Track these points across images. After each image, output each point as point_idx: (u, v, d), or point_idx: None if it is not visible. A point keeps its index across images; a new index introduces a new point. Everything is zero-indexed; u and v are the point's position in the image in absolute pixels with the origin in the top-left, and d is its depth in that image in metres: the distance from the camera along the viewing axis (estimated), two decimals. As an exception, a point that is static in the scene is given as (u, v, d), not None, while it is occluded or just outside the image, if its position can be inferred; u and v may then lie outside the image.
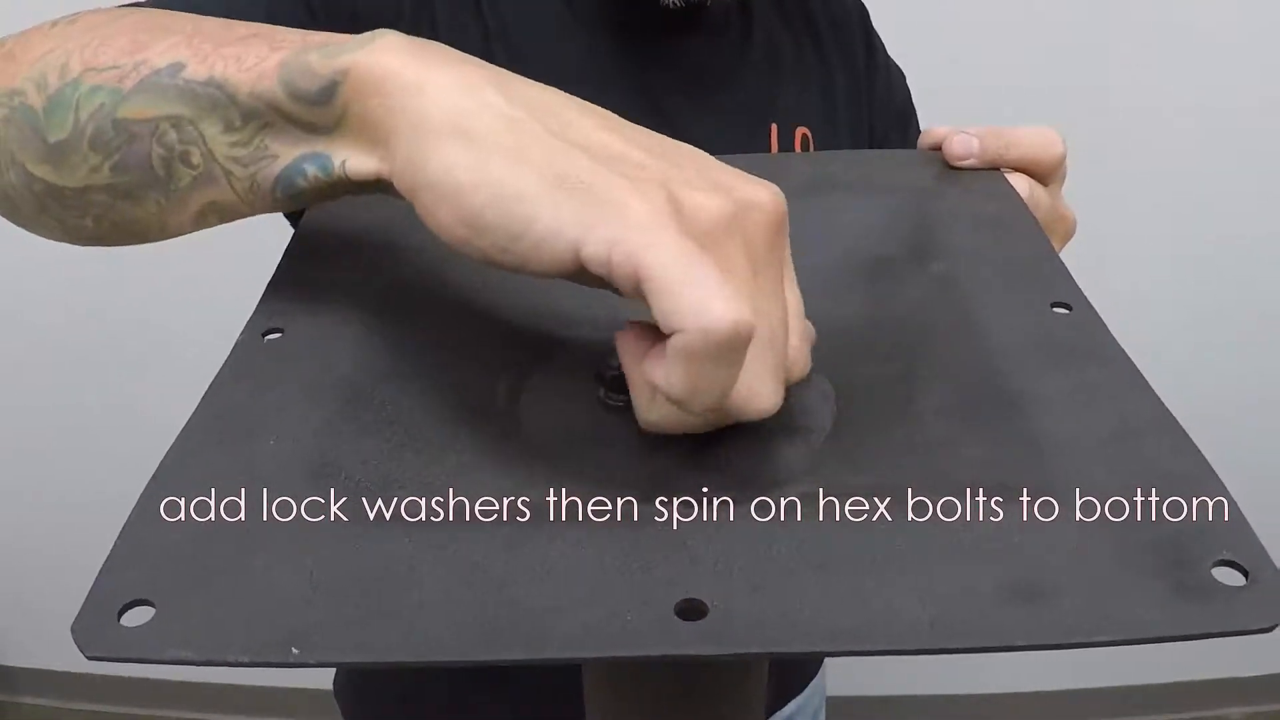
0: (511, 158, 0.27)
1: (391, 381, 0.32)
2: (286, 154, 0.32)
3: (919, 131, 0.73)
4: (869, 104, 0.70)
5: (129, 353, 1.44)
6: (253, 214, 0.35)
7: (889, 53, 0.74)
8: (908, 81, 0.75)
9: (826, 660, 0.83)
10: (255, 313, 0.34)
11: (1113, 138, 1.24)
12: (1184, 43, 1.24)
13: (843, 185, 0.42)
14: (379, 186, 0.31)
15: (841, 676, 1.48)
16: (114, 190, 0.34)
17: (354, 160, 0.31)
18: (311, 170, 0.32)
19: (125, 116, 0.33)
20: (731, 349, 0.25)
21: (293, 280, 0.35)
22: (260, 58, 0.31)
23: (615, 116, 0.31)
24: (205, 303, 1.23)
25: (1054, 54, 1.24)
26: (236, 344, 0.33)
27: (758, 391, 0.27)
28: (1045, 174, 0.45)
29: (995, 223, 0.39)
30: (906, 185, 0.42)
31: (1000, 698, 1.61)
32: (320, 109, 0.31)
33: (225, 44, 0.32)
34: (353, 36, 0.31)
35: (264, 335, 0.33)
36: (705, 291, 0.25)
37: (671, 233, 0.25)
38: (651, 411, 0.29)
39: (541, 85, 0.31)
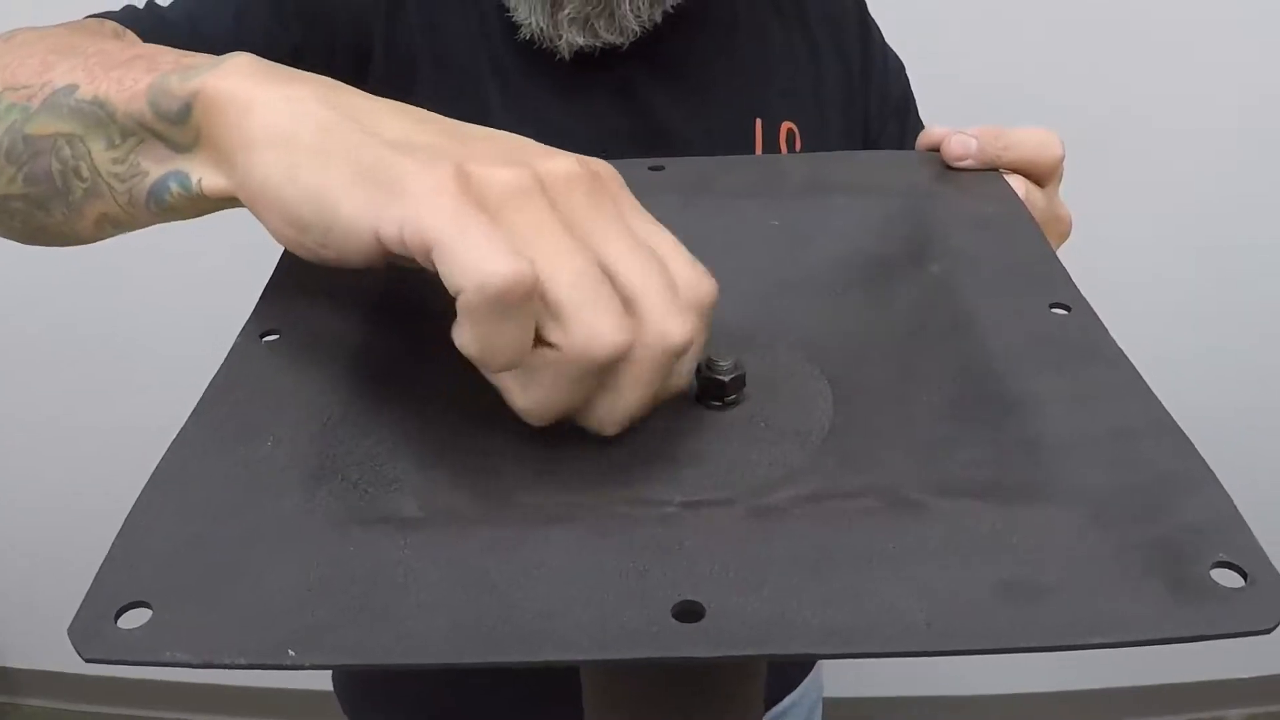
0: (319, 158, 0.29)
1: (389, 383, 0.32)
2: (155, 171, 0.34)
3: (919, 121, 0.72)
4: (864, 95, 0.69)
5: (127, 355, 1.44)
6: (139, 226, 0.37)
7: (887, 42, 0.72)
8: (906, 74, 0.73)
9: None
10: (253, 315, 0.34)
11: (1109, 136, 1.24)
12: (1185, 41, 1.24)
13: (840, 186, 0.42)
14: (236, 203, 0.33)
15: (839, 677, 1.48)
16: (28, 199, 0.37)
17: (208, 178, 0.33)
18: (175, 187, 0.34)
19: (31, 132, 0.35)
20: (508, 302, 0.25)
21: (290, 282, 0.35)
22: (135, 79, 0.34)
23: (441, 119, 0.31)
24: (203, 306, 1.23)
25: (1053, 51, 1.24)
26: (234, 346, 0.33)
27: (597, 330, 0.26)
28: (1043, 176, 0.45)
29: (994, 224, 0.39)
30: (904, 186, 0.42)
31: (996, 699, 1.61)
32: (180, 128, 0.33)
33: (114, 66, 0.35)
34: (212, 59, 0.33)
35: (261, 337, 0.33)
36: (479, 250, 0.25)
37: (449, 199, 0.26)
38: (522, 398, 0.28)
39: (374, 98, 0.32)
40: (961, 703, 1.61)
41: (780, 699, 0.78)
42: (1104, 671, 1.59)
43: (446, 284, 0.26)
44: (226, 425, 0.29)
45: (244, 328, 0.34)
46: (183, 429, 0.29)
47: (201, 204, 0.34)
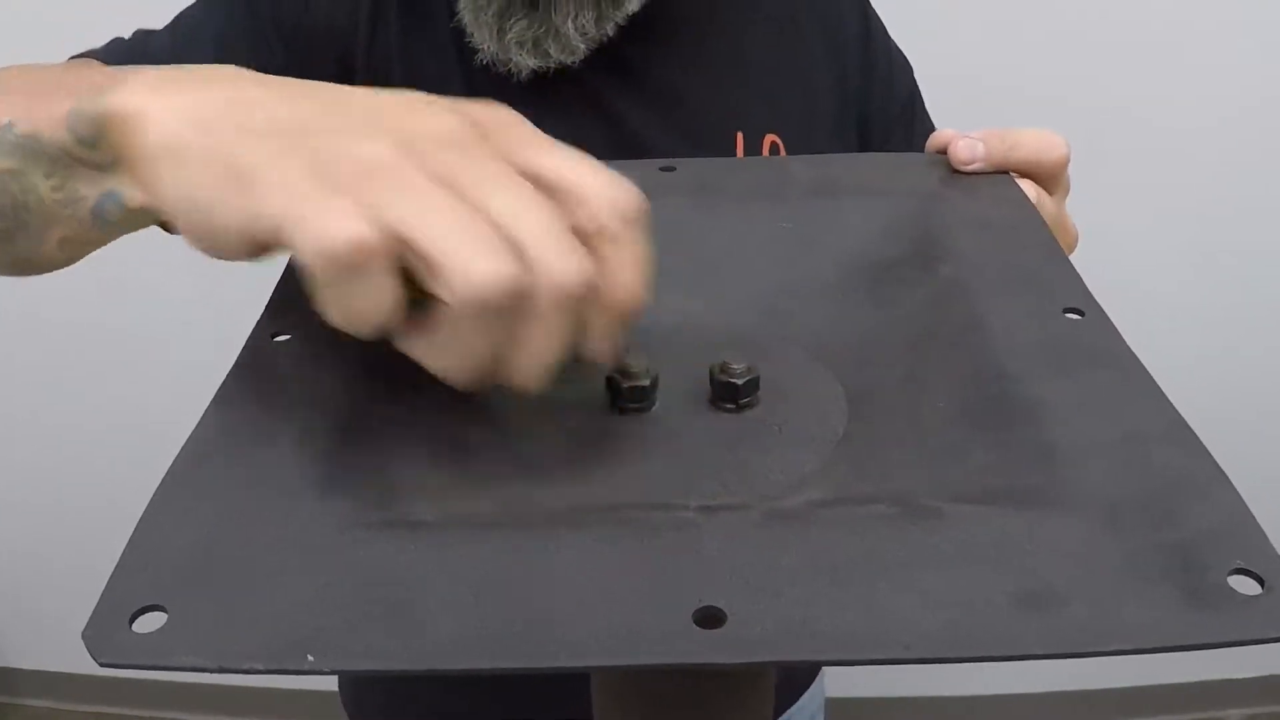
0: (198, 165, 0.29)
1: (401, 386, 0.32)
2: (90, 193, 0.34)
3: (926, 120, 0.71)
4: (863, 99, 0.67)
5: (130, 357, 1.44)
6: (99, 245, 0.37)
7: (892, 40, 0.69)
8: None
9: (827, 663, 0.82)
10: (263, 316, 0.34)
11: (1109, 137, 1.24)
12: (1186, 43, 1.24)
13: (850, 189, 0.42)
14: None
15: (841, 678, 1.48)
16: None
17: (129, 194, 0.33)
18: (111, 207, 0.34)
19: None
20: (352, 264, 0.26)
21: (299, 282, 0.35)
22: (59, 105, 0.34)
23: (328, 92, 0.31)
24: (208, 308, 1.23)
25: (1054, 53, 1.23)
26: (244, 347, 0.33)
27: (473, 269, 0.26)
28: (1049, 176, 0.45)
29: (1004, 226, 0.39)
30: (913, 189, 0.42)
31: (998, 699, 1.61)
32: (97, 151, 0.33)
33: (44, 94, 0.35)
34: (118, 77, 0.33)
35: (272, 338, 0.33)
36: (316, 221, 0.26)
37: (294, 185, 0.27)
38: (434, 361, 0.28)
39: (275, 82, 0.32)
40: (962, 703, 1.61)
41: (787, 707, 0.77)
42: (1104, 671, 1.59)
43: (303, 264, 0.27)
44: (239, 427, 0.29)
45: (254, 329, 0.33)
46: (195, 430, 0.29)
47: (141, 220, 0.34)
